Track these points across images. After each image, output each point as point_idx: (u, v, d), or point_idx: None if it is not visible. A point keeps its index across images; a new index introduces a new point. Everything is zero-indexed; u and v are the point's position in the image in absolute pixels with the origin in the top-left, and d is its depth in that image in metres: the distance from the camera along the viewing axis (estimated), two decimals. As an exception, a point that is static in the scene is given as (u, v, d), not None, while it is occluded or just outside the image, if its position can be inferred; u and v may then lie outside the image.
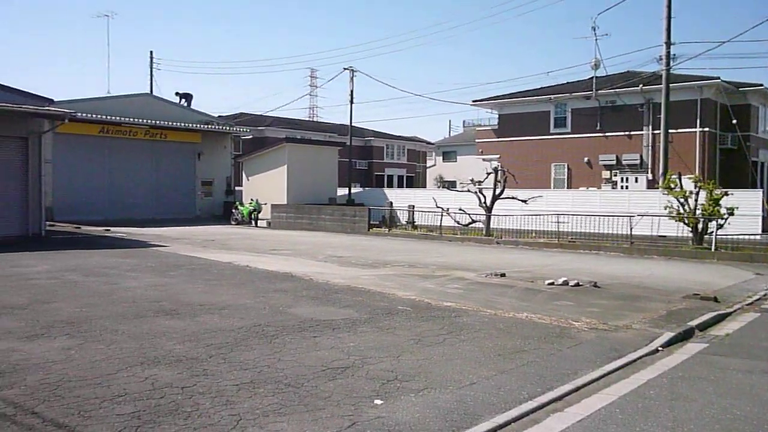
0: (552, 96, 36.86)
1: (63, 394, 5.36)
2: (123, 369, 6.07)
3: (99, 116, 29.40)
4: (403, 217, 28.45)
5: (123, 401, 5.20)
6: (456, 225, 24.62)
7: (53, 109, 20.88)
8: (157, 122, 31.74)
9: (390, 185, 56.52)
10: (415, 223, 26.78)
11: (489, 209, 23.69)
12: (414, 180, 61.13)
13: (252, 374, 5.99)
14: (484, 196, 23.86)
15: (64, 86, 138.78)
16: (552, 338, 7.79)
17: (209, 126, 34.66)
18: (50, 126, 21.10)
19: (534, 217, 22.63)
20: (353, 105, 40.13)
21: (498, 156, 37.45)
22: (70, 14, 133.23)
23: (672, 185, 19.58)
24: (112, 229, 24.49)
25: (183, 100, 37.74)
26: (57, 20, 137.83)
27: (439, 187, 51.38)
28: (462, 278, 12.97)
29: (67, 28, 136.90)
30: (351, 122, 41.04)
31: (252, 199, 30.58)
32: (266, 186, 31.47)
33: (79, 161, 29.46)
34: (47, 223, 21.56)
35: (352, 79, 39.86)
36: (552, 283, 12.07)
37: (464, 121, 70.73)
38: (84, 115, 27.42)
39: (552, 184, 36.29)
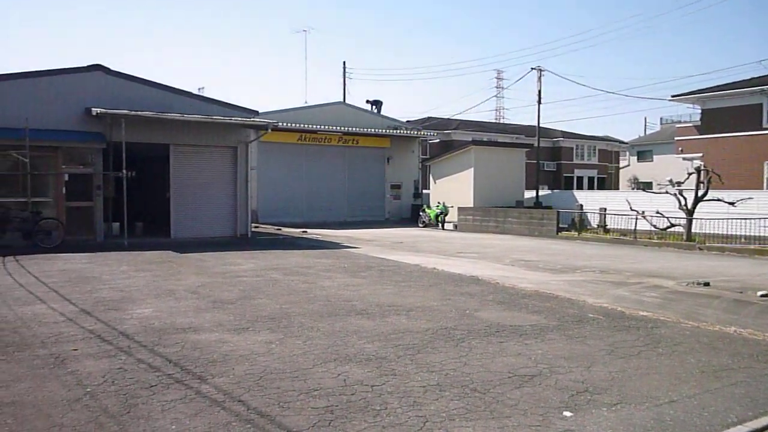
0: (765, 87, 33.34)
1: (265, 384, 5.78)
2: (318, 364, 6.41)
3: (297, 125, 31.43)
4: (593, 221, 27.27)
5: (318, 395, 5.49)
6: (652, 229, 23.11)
7: (258, 120, 22.67)
8: (350, 129, 33.23)
9: (580, 187, 54.46)
10: (607, 227, 25.54)
11: (690, 212, 21.96)
12: (606, 181, 58.37)
13: (438, 377, 6.05)
14: (685, 198, 22.15)
15: (267, 98, 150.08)
16: (766, 357, 7.04)
17: (398, 131, 35.66)
18: (255, 136, 22.92)
19: (743, 221, 20.62)
20: (541, 105, 39.20)
21: (700, 154, 34.58)
22: (273, 32, 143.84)
23: None
24: (308, 230, 26.03)
25: (373, 106, 39.17)
26: (261, 38, 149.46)
27: (633, 188, 48.59)
28: (659, 286, 12.14)
29: (270, 45, 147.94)
30: (539, 123, 40.13)
31: (439, 202, 30.97)
32: (453, 189, 31.72)
33: (279, 167, 31.67)
34: (252, 224, 23.42)
35: (539, 78, 38.97)
36: (765, 295, 10.91)
37: (661, 118, 66.30)
38: (284, 124, 29.42)
39: (765, 185, 32.83)
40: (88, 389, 5.61)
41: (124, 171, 18.43)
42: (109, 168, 19.49)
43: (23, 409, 5.11)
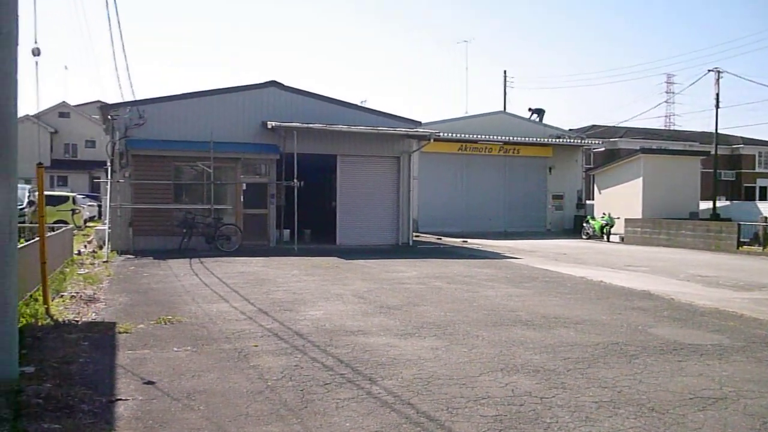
0: None
1: (433, 390, 5.85)
2: (485, 373, 6.39)
3: (458, 135, 31.56)
4: (781, 235, 24.83)
5: (486, 404, 5.47)
6: None
7: (421, 130, 23.04)
8: (511, 138, 32.83)
9: (763, 198, 49.90)
10: (798, 242, 23.17)
11: None
12: (794, 192, 53.03)
13: (611, 393, 5.81)
14: None
15: (427, 108, 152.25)
16: None
17: (561, 140, 34.72)
18: (417, 146, 23.32)
19: None
20: (719, 110, 36.45)
21: None
22: (433, 43, 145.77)
23: None
24: (468, 240, 26.01)
25: (535, 115, 38.43)
26: (421, 49, 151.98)
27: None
28: None
29: (429, 56, 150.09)
30: (717, 129, 37.35)
31: (604, 213, 29.74)
32: (619, 199, 30.31)
33: (439, 177, 31.95)
34: (413, 233, 23.81)
35: (717, 81, 36.32)
36: None
37: None
38: (445, 134, 29.65)
39: None
40: (269, 383, 5.98)
41: (296, 180, 19.47)
42: (281, 178, 20.68)
43: (213, 397, 5.55)
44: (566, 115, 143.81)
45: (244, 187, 20.59)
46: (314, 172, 24.01)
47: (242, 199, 20.52)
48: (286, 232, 21.25)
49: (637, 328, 8.77)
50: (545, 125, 36.56)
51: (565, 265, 17.24)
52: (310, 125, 20.53)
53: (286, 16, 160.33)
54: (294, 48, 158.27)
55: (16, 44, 6.00)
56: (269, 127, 20.20)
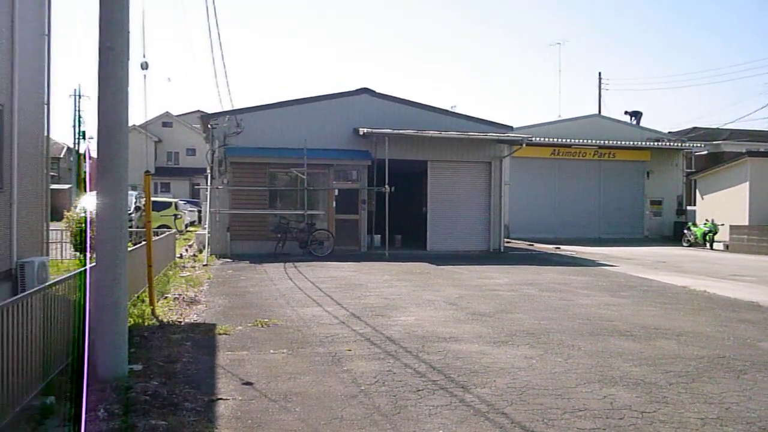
0: None
1: (527, 399, 5.75)
2: (581, 384, 6.22)
3: (550, 139, 30.92)
4: None
5: (583, 416, 5.32)
6: None
7: (513, 135, 22.75)
8: (605, 142, 31.88)
9: None
10: None
11: None
12: None
13: (718, 410, 5.53)
14: None
15: (519, 113, 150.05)
16: None
17: (659, 143, 33.40)
18: (509, 151, 23.03)
19: None
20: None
21: None
22: (525, 46, 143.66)
23: None
24: (561, 247, 25.43)
25: (632, 117, 37.16)
26: (512, 53, 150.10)
27: None
28: None
29: (521, 60, 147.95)
30: (832, 130, 34.85)
31: (706, 220, 28.35)
32: (723, 205, 28.82)
33: (531, 182, 31.39)
34: (504, 239, 23.51)
35: (834, 79, 33.90)
36: None
37: None
38: (537, 139, 29.12)
39: None
40: (362, 387, 6.04)
41: (387, 186, 19.63)
42: (372, 183, 20.91)
43: (308, 400, 5.67)
44: (665, 117, 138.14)
45: (337, 192, 20.94)
46: (405, 177, 24.13)
47: (334, 205, 20.87)
48: (377, 237, 21.45)
49: (744, 341, 8.31)
50: (642, 128, 35.27)
51: (664, 273, 16.56)
52: (402, 131, 20.66)
53: (372, 22, 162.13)
54: (381, 56, 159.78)
55: (127, 59, 6.35)
56: (361, 133, 20.47)
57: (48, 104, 12.95)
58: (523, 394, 5.88)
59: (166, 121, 61.43)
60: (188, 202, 43.39)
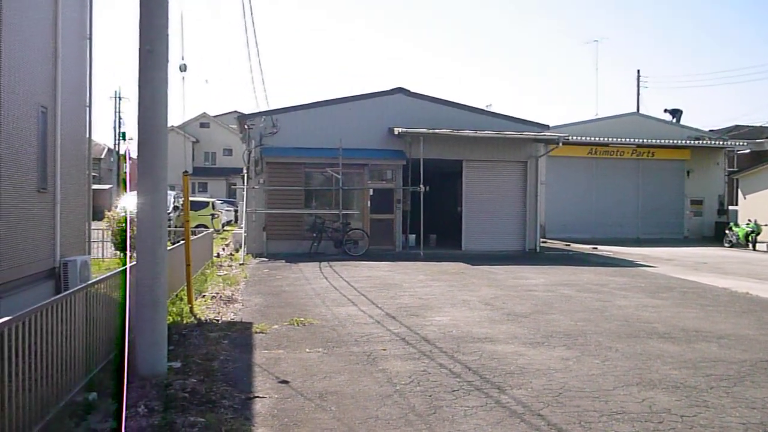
0: None
1: (564, 401, 5.69)
2: (619, 387, 6.14)
3: (588, 138, 30.53)
4: None
5: (621, 419, 5.25)
6: None
7: (549, 134, 22.52)
8: (644, 141, 31.36)
9: None
10: None
11: None
12: None
13: (761, 415, 5.41)
14: None
15: (554, 112, 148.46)
16: None
17: (699, 141, 32.73)
18: (545, 150, 22.80)
19: None
20: None
21: None
22: (562, 44, 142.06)
23: None
24: (599, 247, 25.10)
25: (672, 116, 36.48)
26: (547, 52, 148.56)
27: None
28: None
29: (557, 58, 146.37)
30: None
31: (749, 220, 27.69)
32: (766, 205, 28.15)
33: (568, 182, 31.02)
34: (540, 239, 23.29)
35: None
36: None
37: None
38: (574, 138, 28.78)
39: None
40: (397, 387, 6.06)
41: (422, 186, 19.60)
42: (407, 183, 20.90)
43: (343, 399, 5.70)
44: (706, 115, 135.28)
45: (371, 192, 20.98)
46: (440, 177, 24.10)
47: (369, 204, 20.92)
48: (412, 237, 21.43)
49: (789, 345, 8.10)
50: (682, 126, 34.61)
51: (705, 274, 16.23)
52: (437, 130, 20.61)
53: (404, 21, 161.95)
54: (414, 54, 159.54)
55: (167, 62, 6.46)
56: (396, 133, 20.47)
57: (89, 106, 13.26)
58: (560, 396, 5.83)
59: (203, 121, 62.32)
60: (225, 201, 43.94)
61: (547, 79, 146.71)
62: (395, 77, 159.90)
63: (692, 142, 32.45)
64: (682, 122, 35.77)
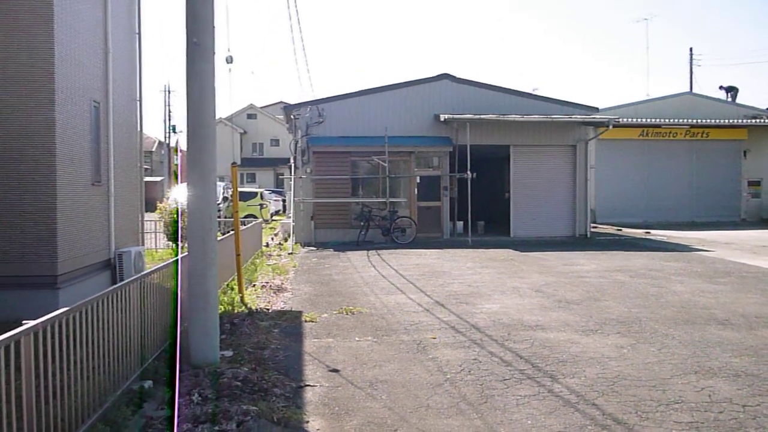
0: None
1: (619, 390, 5.57)
2: (677, 375, 5.97)
3: (639, 120, 29.79)
4: None
5: (679, 409, 5.11)
6: None
7: (598, 117, 22.03)
8: (698, 121, 30.43)
9: None
10: None
11: None
12: None
13: (830, 404, 5.19)
14: None
15: (604, 93, 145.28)
16: None
17: (757, 120, 31.60)
18: (594, 133, 22.33)
19: None
20: None
21: None
22: (611, 22, 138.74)
23: None
24: (651, 231, 24.52)
25: (728, 94, 35.30)
26: (596, 31, 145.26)
27: None
28: None
29: (607, 37, 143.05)
30: None
31: (811, 201, 26.69)
32: (830, 185, 27.05)
33: (618, 165, 30.34)
34: (591, 225, 22.86)
35: None
36: None
37: None
38: (624, 119, 28.12)
39: None
40: (448, 376, 6.01)
41: (469, 172, 19.42)
42: (454, 170, 20.74)
43: (394, 388, 5.68)
44: (765, 92, 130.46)
45: (418, 180, 20.89)
46: (487, 163, 23.82)
47: (416, 192, 20.84)
48: (460, 224, 21.27)
49: None
50: (738, 105, 33.44)
51: (765, 258, 15.68)
52: (483, 116, 20.38)
53: (449, 3, 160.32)
54: (458, 39, 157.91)
55: (213, 54, 6.51)
56: (442, 119, 20.32)
57: (140, 100, 13.51)
58: (615, 385, 5.70)
59: (250, 113, 63.02)
60: (273, 191, 44.40)
61: (597, 59, 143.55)
62: (441, 63, 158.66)
63: (749, 120, 31.34)
64: (738, 100, 34.55)
